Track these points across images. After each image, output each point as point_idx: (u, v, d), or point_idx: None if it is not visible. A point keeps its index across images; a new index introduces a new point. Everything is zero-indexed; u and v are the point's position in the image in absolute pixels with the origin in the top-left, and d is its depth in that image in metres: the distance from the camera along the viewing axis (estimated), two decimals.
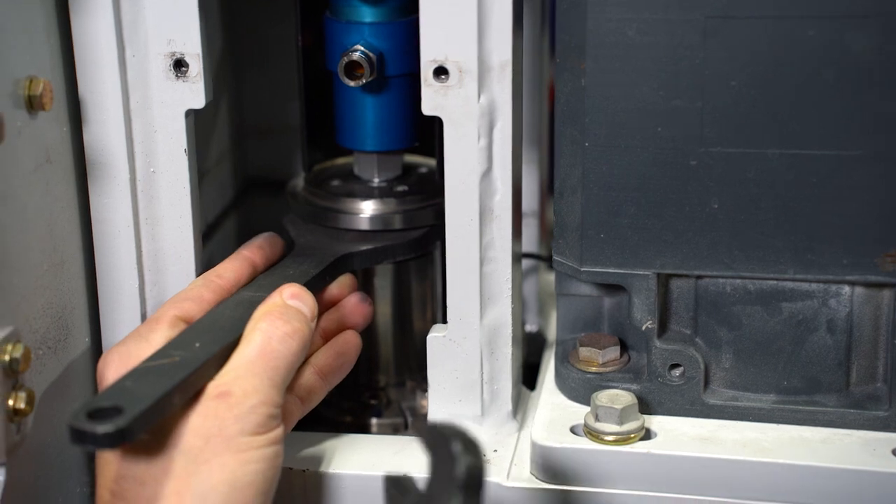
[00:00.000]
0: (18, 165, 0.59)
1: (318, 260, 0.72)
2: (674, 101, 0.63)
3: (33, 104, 0.60)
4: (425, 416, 0.75)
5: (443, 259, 0.79)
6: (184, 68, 0.66)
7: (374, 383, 0.81)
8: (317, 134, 0.79)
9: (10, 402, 0.58)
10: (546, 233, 0.89)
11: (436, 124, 0.75)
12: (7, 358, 0.58)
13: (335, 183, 0.78)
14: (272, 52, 0.86)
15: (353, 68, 0.70)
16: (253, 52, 0.86)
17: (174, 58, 0.66)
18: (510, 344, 0.70)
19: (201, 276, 0.68)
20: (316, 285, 0.70)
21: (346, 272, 0.73)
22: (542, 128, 0.85)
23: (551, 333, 0.86)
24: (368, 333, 0.76)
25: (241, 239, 0.84)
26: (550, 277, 0.90)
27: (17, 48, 0.59)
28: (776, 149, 0.63)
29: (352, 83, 0.70)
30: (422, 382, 0.80)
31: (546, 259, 0.88)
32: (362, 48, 0.70)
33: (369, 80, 0.70)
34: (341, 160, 0.81)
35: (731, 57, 0.62)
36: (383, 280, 0.78)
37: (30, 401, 0.59)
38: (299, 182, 0.80)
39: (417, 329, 0.80)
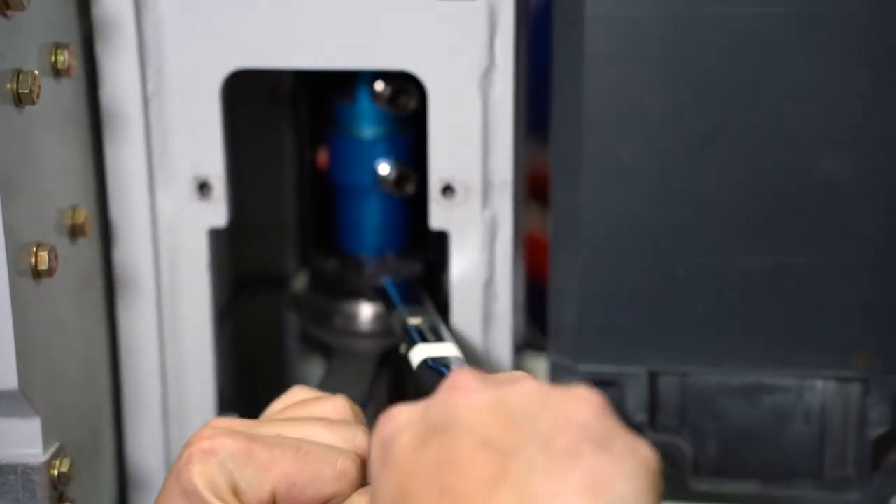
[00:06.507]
0: (64, 292, 0.63)
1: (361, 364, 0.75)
2: (663, 216, 0.69)
3: (75, 232, 0.63)
4: None
5: None
6: (208, 190, 0.70)
7: None
8: (308, 233, 0.84)
9: None
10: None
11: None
12: (56, 473, 0.61)
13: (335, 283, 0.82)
14: (265, 156, 0.90)
15: (401, 180, 0.75)
16: (248, 155, 0.90)
17: (199, 181, 0.70)
18: None
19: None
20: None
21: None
22: None
23: None
24: None
25: (240, 337, 0.87)
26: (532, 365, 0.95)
27: (60, 180, 0.63)
28: (755, 258, 0.69)
29: (398, 193, 0.75)
30: None
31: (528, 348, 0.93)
32: (392, 161, 0.75)
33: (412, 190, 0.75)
34: (333, 260, 0.85)
35: (715, 177, 0.68)
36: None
37: None
38: (300, 281, 0.83)
39: None
